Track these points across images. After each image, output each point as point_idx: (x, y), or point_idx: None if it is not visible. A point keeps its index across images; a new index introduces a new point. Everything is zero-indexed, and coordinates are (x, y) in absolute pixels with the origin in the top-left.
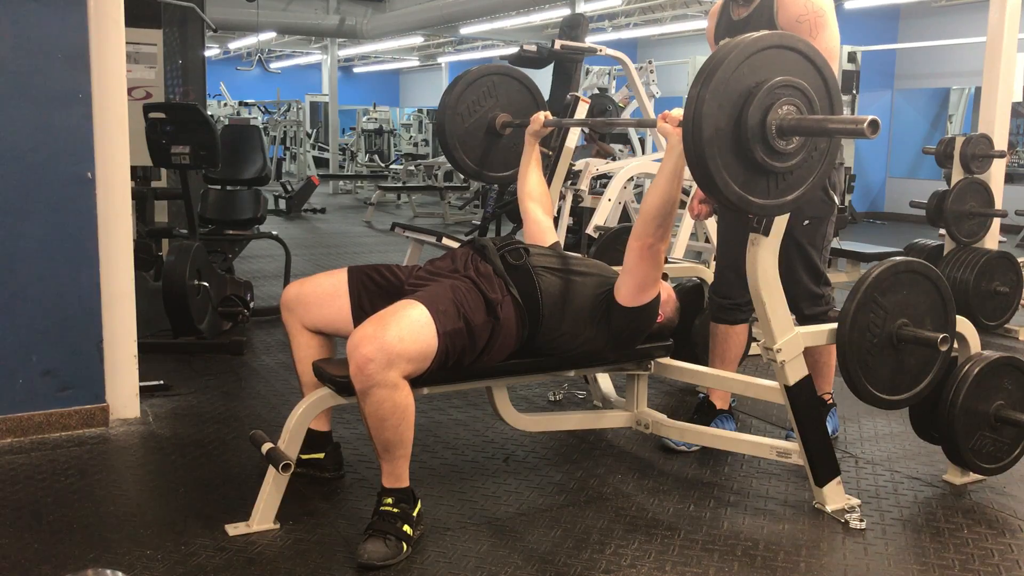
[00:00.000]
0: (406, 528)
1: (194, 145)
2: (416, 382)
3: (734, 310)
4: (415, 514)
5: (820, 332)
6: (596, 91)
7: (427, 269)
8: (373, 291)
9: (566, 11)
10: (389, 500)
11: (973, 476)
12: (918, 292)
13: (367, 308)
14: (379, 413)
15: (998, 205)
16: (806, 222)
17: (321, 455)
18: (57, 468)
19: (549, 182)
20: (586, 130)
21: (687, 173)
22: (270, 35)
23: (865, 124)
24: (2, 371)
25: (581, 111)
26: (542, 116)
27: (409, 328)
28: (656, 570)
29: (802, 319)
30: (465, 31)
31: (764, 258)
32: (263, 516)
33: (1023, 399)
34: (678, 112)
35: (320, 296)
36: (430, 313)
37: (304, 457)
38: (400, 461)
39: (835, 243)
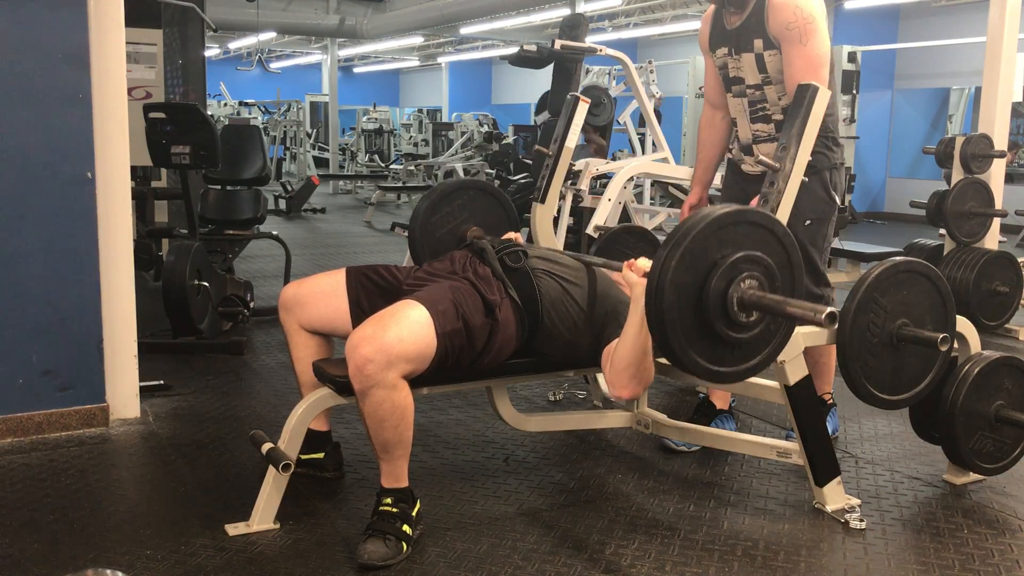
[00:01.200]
0: (406, 528)
1: (194, 145)
2: (416, 382)
3: None
4: (414, 514)
5: (820, 332)
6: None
7: (425, 270)
8: (371, 291)
9: (566, 11)
10: (388, 500)
11: (973, 476)
12: (918, 292)
13: (365, 308)
14: (378, 413)
15: (998, 205)
16: (807, 222)
17: (321, 455)
18: (57, 468)
19: (549, 182)
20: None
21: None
22: (270, 35)
23: (823, 316)
24: (2, 371)
25: (581, 111)
26: (513, 236)
27: (409, 329)
28: (656, 570)
29: None
30: (465, 31)
31: None
32: (263, 516)
33: (1023, 399)
34: (644, 263)
35: (318, 296)
36: (430, 313)
37: (304, 457)
38: (399, 461)
39: (835, 243)
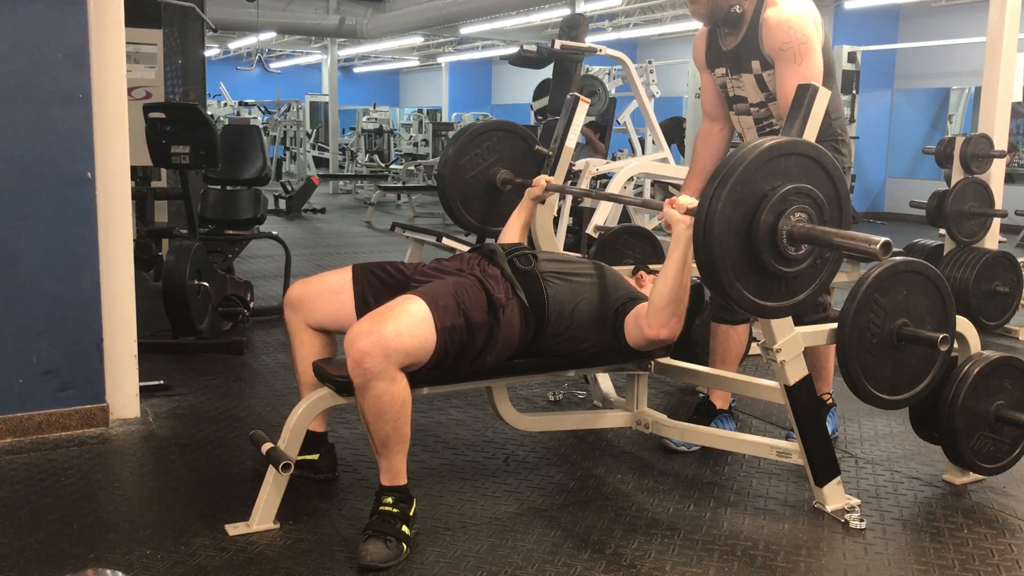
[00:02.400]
0: (405, 528)
1: (194, 145)
2: (416, 382)
3: (735, 310)
4: (412, 513)
5: (820, 332)
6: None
7: (432, 266)
8: (377, 287)
9: (566, 11)
10: (389, 500)
11: (973, 476)
12: (918, 292)
13: (371, 303)
14: (378, 407)
15: (998, 205)
16: None
17: (315, 456)
18: (57, 468)
19: None
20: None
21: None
22: (270, 35)
23: (878, 246)
24: (2, 371)
25: (581, 110)
26: (544, 180)
27: (406, 323)
28: (656, 570)
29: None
30: (465, 31)
31: None
32: (263, 516)
33: (1023, 399)
34: (685, 200)
35: (324, 294)
36: (429, 308)
37: (299, 458)
38: (398, 457)
39: None
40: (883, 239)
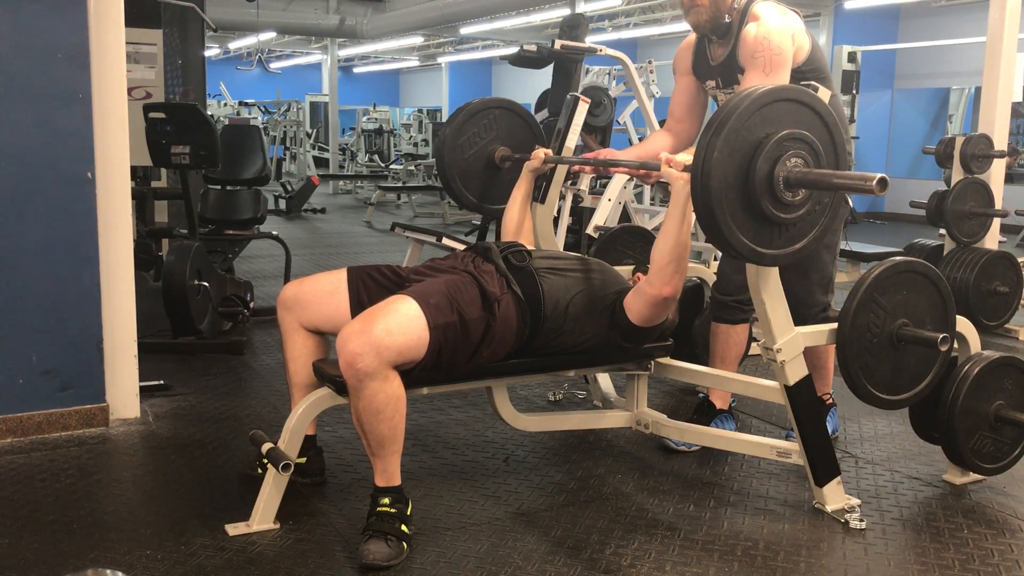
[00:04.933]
0: (404, 528)
1: (194, 145)
2: (416, 381)
3: (735, 309)
4: (408, 513)
5: (820, 332)
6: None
7: (427, 266)
8: (372, 288)
9: (566, 11)
10: (386, 500)
11: (973, 476)
12: (918, 292)
13: (366, 304)
14: (373, 406)
15: (998, 205)
16: None
17: (304, 460)
18: (57, 468)
19: (549, 182)
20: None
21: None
22: (270, 35)
23: (874, 182)
24: (2, 371)
25: (581, 111)
26: (542, 153)
27: (397, 321)
28: (656, 570)
29: (801, 325)
30: (465, 31)
31: None
32: (263, 516)
33: (1023, 399)
34: (683, 157)
35: (319, 295)
36: (420, 307)
37: None
38: (393, 458)
39: (841, 244)
40: (879, 175)
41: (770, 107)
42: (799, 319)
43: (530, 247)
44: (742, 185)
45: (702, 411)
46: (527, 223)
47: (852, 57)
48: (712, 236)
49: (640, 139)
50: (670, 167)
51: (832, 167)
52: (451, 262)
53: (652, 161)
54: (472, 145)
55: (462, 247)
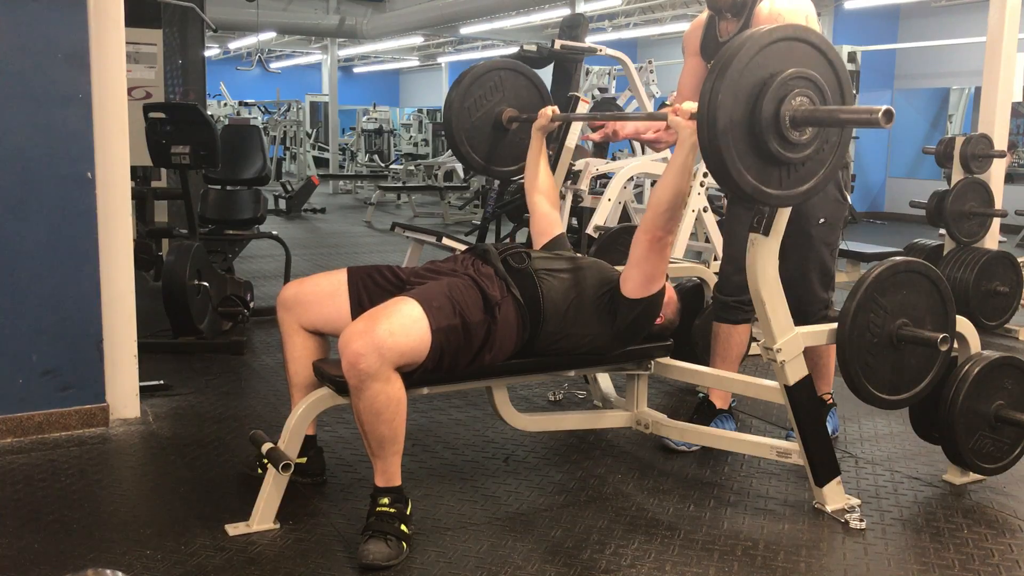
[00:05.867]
0: (403, 527)
1: (194, 145)
2: (416, 381)
3: (737, 309)
4: (408, 512)
5: (820, 332)
6: (596, 91)
7: (427, 268)
8: (373, 290)
9: (566, 11)
10: (385, 500)
11: (973, 476)
12: (918, 292)
13: (367, 306)
14: (374, 407)
15: (998, 205)
16: (821, 220)
17: (303, 460)
18: (57, 468)
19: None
20: (587, 130)
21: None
22: (270, 35)
23: (879, 114)
24: (2, 371)
25: (582, 111)
26: (549, 111)
27: (400, 323)
28: (656, 570)
29: (803, 322)
30: (465, 31)
31: (764, 258)
32: (263, 516)
33: (1023, 399)
34: (689, 105)
35: (319, 295)
36: (423, 309)
37: None
38: (393, 458)
39: (841, 244)
40: (885, 107)
41: (772, 47)
42: (800, 316)
43: (555, 206)
44: (748, 126)
45: (702, 411)
46: (549, 179)
47: (852, 57)
48: (720, 177)
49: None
50: (676, 116)
51: (839, 105)
52: (451, 265)
53: (660, 112)
54: (479, 107)
55: (462, 247)
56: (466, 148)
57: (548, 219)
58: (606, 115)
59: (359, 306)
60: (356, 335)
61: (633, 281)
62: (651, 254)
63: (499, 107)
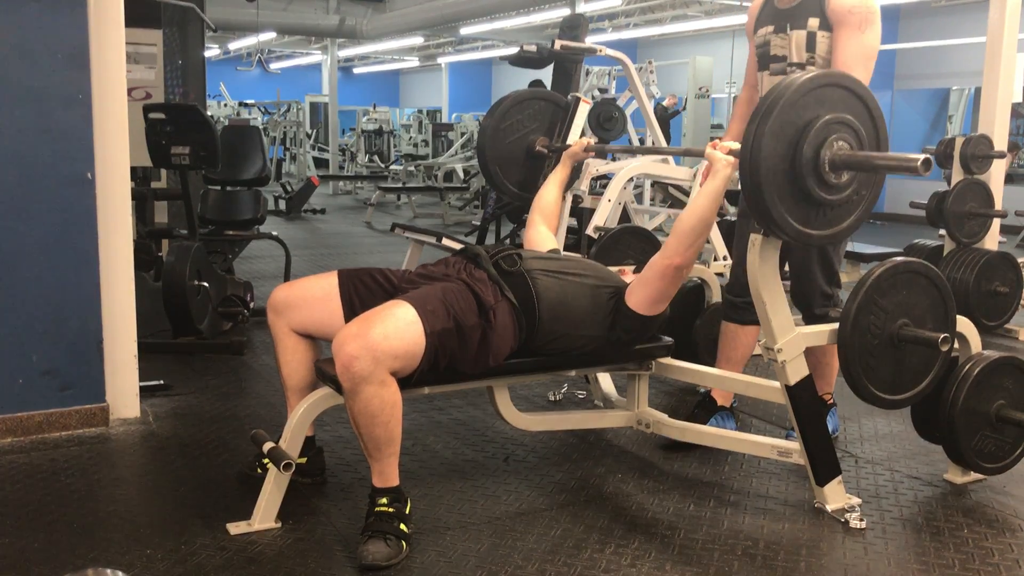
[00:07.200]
0: (403, 527)
1: (194, 145)
2: (416, 382)
3: (745, 310)
4: (407, 512)
5: (821, 332)
6: (596, 91)
7: (419, 272)
8: (364, 293)
9: (566, 11)
10: (384, 500)
11: (974, 475)
12: (918, 292)
13: (359, 310)
14: (369, 410)
15: (998, 205)
16: None
17: (303, 460)
18: (57, 468)
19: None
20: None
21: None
22: (270, 35)
23: (919, 163)
24: (2, 371)
25: (582, 111)
26: (585, 141)
27: (394, 326)
28: (656, 570)
29: (810, 318)
30: (465, 31)
31: (764, 258)
32: (265, 515)
33: (1023, 399)
34: (729, 144)
35: (310, 299)
36: (417, 312)
37: None
38: (390, 460)
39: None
40: (923, 156)
41: (815, 92)
42: (804, 309)
43: (552, 230)
44: (789, 167)
45: (703, 406)
46: (556, 205)
47: None
48: (760, 217)
49: (640, 140)
50: (716, 151)
51: (873, 147)
52: (443, 269)
53: (697, 148)
54: (513, 132)
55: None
56: (495, 169)
57: (540, 236)
58: (640, 148)
59: (351, 309)
60: (350, 338)
61: (638, 297)
62: (664, 279)
63: (533, 135)
